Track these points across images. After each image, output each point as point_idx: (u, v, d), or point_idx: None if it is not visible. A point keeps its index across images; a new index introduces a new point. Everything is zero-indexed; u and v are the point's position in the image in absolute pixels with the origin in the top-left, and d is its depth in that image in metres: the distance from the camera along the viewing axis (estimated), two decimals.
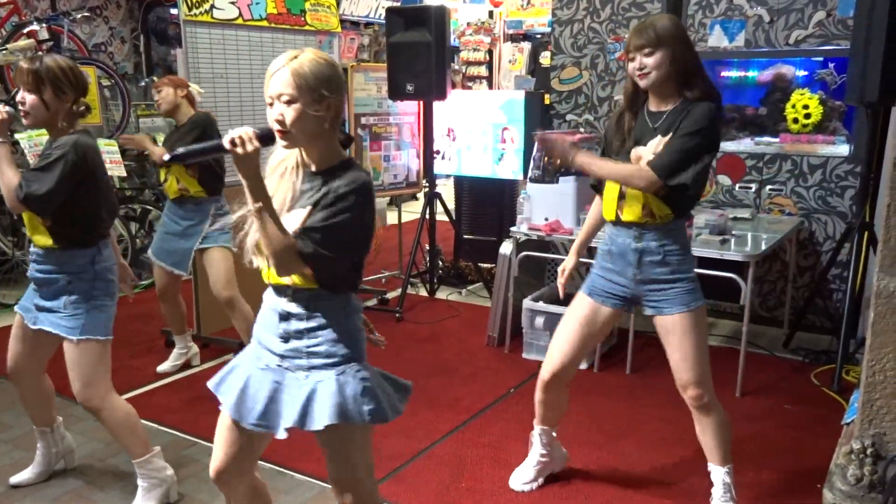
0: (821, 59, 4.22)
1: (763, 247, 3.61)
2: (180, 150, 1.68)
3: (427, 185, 5.29)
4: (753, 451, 3.07)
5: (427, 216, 5.17)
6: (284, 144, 1.68)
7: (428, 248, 5.32)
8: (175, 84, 3.65)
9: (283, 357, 1.77)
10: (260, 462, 2.99)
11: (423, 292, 5.34)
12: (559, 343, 2.60)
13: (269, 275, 1.75)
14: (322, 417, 1.70)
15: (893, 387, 1.92)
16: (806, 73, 4.27)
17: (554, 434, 2.80)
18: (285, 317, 1.75)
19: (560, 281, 2.69)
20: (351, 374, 1.74)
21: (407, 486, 2.79)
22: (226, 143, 1.58)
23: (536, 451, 2.80)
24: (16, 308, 2.65)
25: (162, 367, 3.86)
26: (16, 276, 5.15)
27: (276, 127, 1.64)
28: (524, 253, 4.07)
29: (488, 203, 5.58)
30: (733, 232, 3.72)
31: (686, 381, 2.43)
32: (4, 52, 5.27)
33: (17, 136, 4.98)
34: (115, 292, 2.59)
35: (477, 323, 4.61)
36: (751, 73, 4.44)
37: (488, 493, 2.75)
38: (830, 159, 4.24)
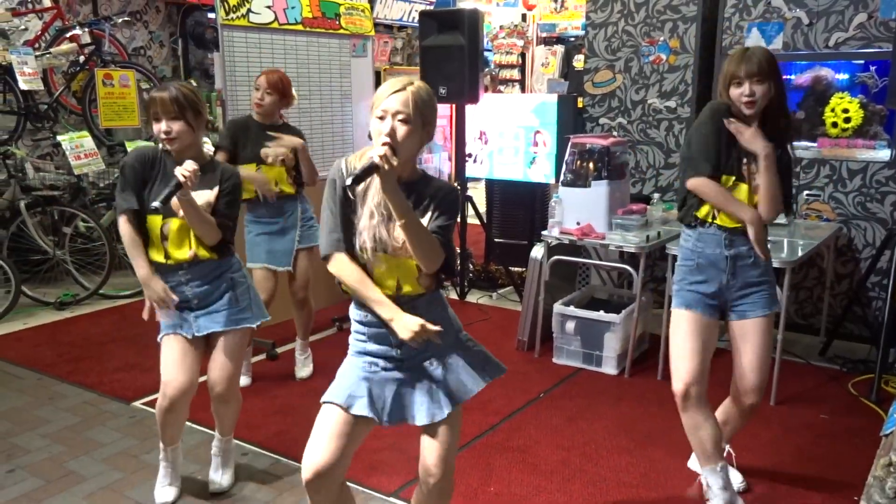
0: (862, 62, 4.13)
1: (799, 253, 3.55)
2: (356, 173, 1.79)
3: (458, 188, 5.30)
4: (788, 461, 3.02)
5: (458, 219, 5.17)
6: (391, 163, 1.77)
7: (459, 251, 5.33)
8: (281, 94, 3.53)
9: (402, 360, 1.97)
10: (264, 452, 3.04)
11: (454, 295, 5.35)
12: (681, 363, 2.48)
13: (389, 285, 1.94)
14: (446, 405, 1.96)
15: None
16: (846, 76, 4.19)
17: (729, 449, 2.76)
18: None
19: None
20: (459, 356, 2.01)
21: None
22: (376, 158, 1.75)
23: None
24: (163, 335, 2.56)
25: (300, 375, 3.87)
26: (56, 274, 5.27)
27: (384, 139, 1.79)
28: (555, 257, 4.05)
29: (520, 206, 5.58)
30: (769, 237, 3.64)
31: (752, 385, 2.47)
32: (48, 55, 5.42)
33: (59, 137, 5.12)
34: None
35: (507, 327, 4.60)
36: (788, 77, 4.37)
37: (517, 498, 2.74)
38: (871, 164, 4.16)
